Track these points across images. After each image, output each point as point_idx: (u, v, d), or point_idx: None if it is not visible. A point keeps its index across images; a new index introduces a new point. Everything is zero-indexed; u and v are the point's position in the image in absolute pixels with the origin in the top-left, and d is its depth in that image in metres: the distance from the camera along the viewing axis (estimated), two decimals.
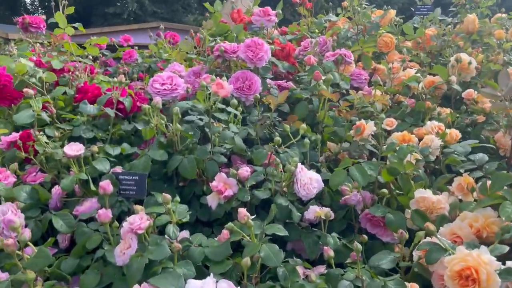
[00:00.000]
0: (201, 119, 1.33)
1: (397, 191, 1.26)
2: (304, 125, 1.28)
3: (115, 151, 1.37)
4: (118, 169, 1.29)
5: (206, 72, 1.79)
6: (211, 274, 0.88)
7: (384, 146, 1.26)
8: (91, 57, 2.13)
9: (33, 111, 1.35)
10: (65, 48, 2.01)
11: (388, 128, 1.48)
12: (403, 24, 2.22)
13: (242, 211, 0.92)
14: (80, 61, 2.05)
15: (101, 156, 1.33)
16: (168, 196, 0.97)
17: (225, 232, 1.04)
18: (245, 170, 1.16)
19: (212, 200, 1.15)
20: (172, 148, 1.29)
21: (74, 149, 1.23)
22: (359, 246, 0.92)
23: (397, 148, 1.21)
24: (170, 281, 0.78)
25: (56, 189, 1.24)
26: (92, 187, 1.24)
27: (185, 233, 1.10)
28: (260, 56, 1.58)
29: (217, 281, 0.78)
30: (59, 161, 1.34)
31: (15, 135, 1.40)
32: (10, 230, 0.95)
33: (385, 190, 1.18)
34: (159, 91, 1.56)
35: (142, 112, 1.63)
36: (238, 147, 1.25)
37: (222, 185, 1.14)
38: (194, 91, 1.72)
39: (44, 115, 1.40)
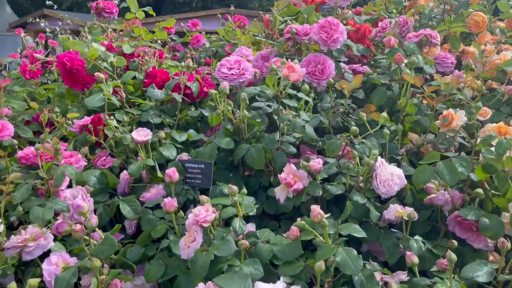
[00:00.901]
0: (269, 106, 1.24)
1: (493, 191, 1.09)
2: (384, 114, 1.15)
3: (181, 137, 1.34)
4: (185, 156, 1.25)
5: (275, 56, 1.70)
6: (280, 276, 0.80)
7: (477, 139, 1.09)
8: (160, 42, 2.13)
9: (103, 95, 1.35)
10: (135, 33, 2.02)
11: (481, 119, 1.30)
12: (497, 1, 1.96)
13: (316, 208, 0.83)
14: (149, 46, 2.06)
15: (168, 142, 1.31)
16: (235, 188, 0.91)
17: (294, 229, 0.96)
18: (317, 162, 1.06)
19: (280, 193, 1.07)
20: (238, 135, 1.22)
21: (142, 134, 1.21)
22: (453, 256, 0.79)
23: (495, 141, 1.04)
24: (236, 282, 0.72)
25: (124, 174, 1.23)
26: (159, 174, 1.22)
27: (251, 226, 1.04)
28: (334, 38, 1.46)
29: (288, 283, 0.71)
30: (128, 146, 1.34)
31: (87, 119, 1.41)
32: (79, 215, 0.95)
33: (479, 190, 1.02)
34: (226, 76, 1.51)
35: (209, 98, 1.59)
36: (309, 136, 1.16)
37: (292, 177, 1.05)
38: (262, 76, 1.65)
39: (115, 100, 1.40)
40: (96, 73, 1.39)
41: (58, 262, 0.91)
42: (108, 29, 2.03)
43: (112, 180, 1.19)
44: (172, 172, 1.02)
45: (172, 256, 0.94)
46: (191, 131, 1.40)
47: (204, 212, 0.83)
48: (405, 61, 1.36)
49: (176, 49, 2.61)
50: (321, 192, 1.05)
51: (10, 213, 1.10)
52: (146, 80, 1.70)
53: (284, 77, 1.12)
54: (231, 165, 1.26)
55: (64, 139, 1.47)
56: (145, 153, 1.23)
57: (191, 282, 0.83)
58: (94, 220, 0.90)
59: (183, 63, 1.49)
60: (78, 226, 0.89)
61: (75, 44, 1.60)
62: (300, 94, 1.23)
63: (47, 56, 2.29)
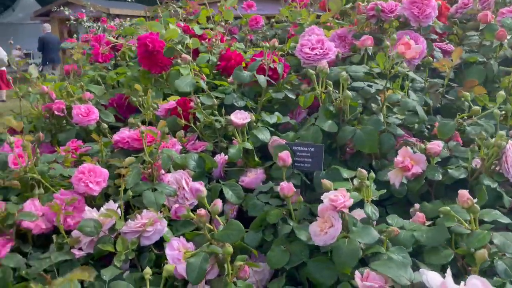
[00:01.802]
0: (370, 86, 1.18)
1: None
2: (502, 92, 1.07)
3: (272, 119, 1.30)
4: (278, 139, 1.21)
5: (353, 36, 1.63)
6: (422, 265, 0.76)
7: None
8: (223, 24, 2.09)
9: (192, 78, 1.31)
10: (201, 15, 1.98)
11: None
12: None
13: (464, 193, 0.77)
14: (211, 29, 2.02)
15: (259, 125, 1.27)
16: (364, 172, 0.86)
17: (420, 215, 0.91)
18: (436, 145, 1.00)
19: (394, 177, 1.02)
20: (337, 118, 1.17)
21: (240, 117, 1.17)
22: None
23: None
24: (396, 270, 0.67)
25: (220, 158, 1.20)
26: (256, 158, 1.19)
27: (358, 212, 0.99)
28: (427, 13, 1.38)
29: None
30: (217, 129, 1.31)
31: (172, 103, 1.39)
32: (197, 199, 0.92)
33: None
34: (309, 56, 1.45)
35: (286, 79, 1.55)
36: (421, 117, 1.10)
37: (409, 161, 0.99)
38: (342, 56, 1.59)
39: (202, 83, 1.37)
40: (183, 55, 1.36)
41: (179, 247, 0.89)
42: (173, 10, 1.99)
43: (209, 163, 1.16)
44: (286, 156, 0.98)
45: (293, 241, 0.90)
46: (277, 113, 1.36)
47: (342, 197, 0.79)
48: (509, 37, 1.28)
49: (232, 32, 2.56)
50: (440, 176, 0.99)
51: (114, 197, 1.09)
52: (220, 63, 1.66)
53: (399, 55, 1.05)
54: (329, 149, 1.21)
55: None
56: (241, 137, 1.20)
57: (326, 269, 0.80)
58: (219, 204, 0.87)
59: (267, 44, 1.43)
60: (203, 211, 0.86)
61: (153, 26, 1.57)
62: (411, 74, 1.16)
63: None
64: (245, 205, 1.10)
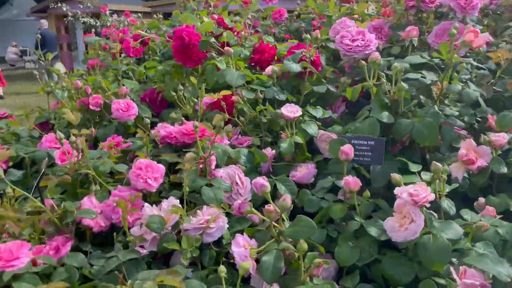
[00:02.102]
0: (423, 77, 1.16)
1: None
2: None
3: (318, 113, 1.27)
4: (327, 133, 1.19)
5: (390, 27, 1.60)
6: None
7: None
8: (250, 16, 2.05)
9: (239, 71, 1.28)
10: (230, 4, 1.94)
11: None
12: None
13: None
14: (233, 21, 1.98)
15: (306, 118, 1.24)
16: (439, 165, 0.84)
17: (490, 209, 0.89)
18: (501, 137, 0.98)
19: (457, 171, 0.99)
20: (390, 110, 1.14)
21: (290, 110, 1.14)
22: None
23: None
24: (493, 266, 0.65)
25: (268, 153, 1.18)
26: (306, 152, 1.16)
27: None
28: (474, 4, 1.35)
29: None
30: (262, 124, 1.28)
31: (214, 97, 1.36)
32: (261, 194, 0.89)
33: None
34: (350, 48, 1.42)
35: (323, 72, 1.52)
36: (483, 109, 1.07)
37: (473, 154, 0.97)
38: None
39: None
40: (226, 48, 1.33)
41: (245, 244, 0.86)
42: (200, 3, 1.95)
43: (259, 158, 1.14)
44: (349, 149, 0.96)
45: (360, 237, 0.88)
46: (318, 107, 1.33)
47: (423, 191, 0.76)
48: None
49: (254, 25, 2.52)
50: (506, 169, 0.96)
51: (165, 193, 1.06)
52: (253, 56, 1.63)
53: (466, 43, 1.02)
54: None
55: None
56: (290, 131, 1.17)
57: (402, 266, 0.78)
58: (288, 200, 0.84)
59: (308, 36, 1.40)
60: (272, 207, 0.84)
61: (187, 17, 1.54)
62: (474, 63, 1.13)
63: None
64: (299, 201, 1.07)
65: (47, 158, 1.04)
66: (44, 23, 8.85)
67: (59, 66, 1.64)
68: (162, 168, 0.98)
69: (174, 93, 1.39)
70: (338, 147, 1.01)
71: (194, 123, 1.04)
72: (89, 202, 0.92)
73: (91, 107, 1.43)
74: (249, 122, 1.33)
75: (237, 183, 1.05)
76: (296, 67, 1.31)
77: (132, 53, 1.71)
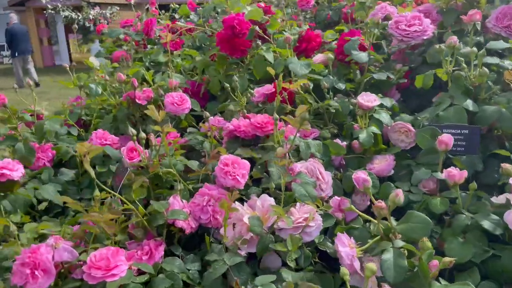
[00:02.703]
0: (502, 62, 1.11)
1: None
2: None
3: (386, 102, 1.21)
4: (401, 123, 1.14)
5: (438, 12, 1.55)
6: None
7: None
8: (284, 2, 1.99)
9: (303, 60, 1.22)
10: None
11: None
12: None
13: None
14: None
15: (376, 108, 1.18)
16: None
17: None
18: None
19: None
20: (470, 97, 1.10)
21: (367, 99, 1.09)
22: None
23: None
24: None
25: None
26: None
27: None
28: None
29: None
30: (326, 114, 1.22)
31: (269, 87, 1.30)
32: (363, 190, 0.84)
33: None
34: (407, 33, 1.37)
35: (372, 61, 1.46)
36: None
37: None
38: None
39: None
40: (287, 36, 1.26)
41: (349, 243, 0.81)
42: None
43: (335, 150, 1.08)
44: (448, 139, 0.91)
45: (468, 232, 0.84)
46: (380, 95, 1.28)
47: None
48: None
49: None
50: None
51: (243, 191, 1.00)
52: (298, 45, 1.57)
53: None
54: None
55: None
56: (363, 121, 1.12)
57: None
58: (401, 195, 0.79)
59: (368, 20, 1.34)
60: (383, 203, 0.79)
61: (234, 5, 1.46)
62: None
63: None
64: (381, 194, 1.02)
65: (123, 157, 0.97)
66: (14, 17, 8.31)
67: (93, 60, 1.55)
68: (247, 164, 0.91)
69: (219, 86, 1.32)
70: (428, 137, 0.96)
71: (274, 115, 0.98)
72: (176, 202, 0.86)
73: (137, 101, 1.35)
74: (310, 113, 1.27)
75: (318, 178, 1.00)
76: (364, 57, 1.25)
77: (172, 46, 1.63)
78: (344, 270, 0.71)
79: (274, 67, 1.31)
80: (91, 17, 11.42)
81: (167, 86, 1.34)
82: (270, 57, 1.41)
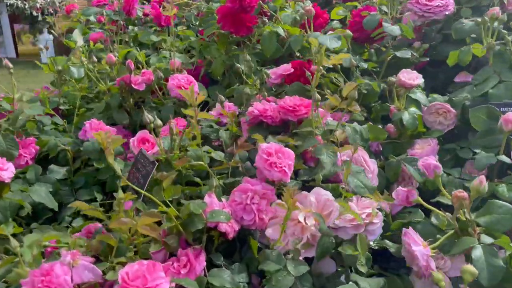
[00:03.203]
0: None
1: None
2: None
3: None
4: (439, 103, 1.04)
5: None
6: None
7: None
8: None
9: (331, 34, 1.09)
10: None
11: None
12: None
13: None
14: None
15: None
16: None
17: None
18: None
19: None
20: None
21: (409, 77, 0.98)
22: None
23: None
24: None
25: None
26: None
27: None
28: None
29: None
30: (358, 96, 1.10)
31: (286, 67, 1.16)
32: (433, 178, 0.72)
33: None
34: (429, 9, 1.28)
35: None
36: None
37: None
38: None
39: None
40: (307, 8, 1.12)
41: (422, 242, 0.70)
42: None
43: (375, 135, 0.96)
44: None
45: None
46: None
47: None
48: None
49: None
50: None
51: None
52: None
53: None
54: None
55: None
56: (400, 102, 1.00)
57: None
58: (485, 183, 0.68)
59: None
60: (465, 193, 0.67)
61: None
62: None
63: None
64: (428, 182, 0.91)
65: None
66: None
67: (76, 37, 1.34)
68: (292, 153, 0.77)
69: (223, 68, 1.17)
70: (484, 117, 0.86)
71: (314, 95, 0.84)
72: (212, 202, 0.70)
73: (134, 86, 1.17)
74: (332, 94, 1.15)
75: (363, 166, 0.88)
76: (397, 30, 1.14)
77: (164, 22, 1.45)
78: (437, 275, 0.59)
79: (292, 45, 1.17)
80: (38, 5, 10.79)
81: (169, 68, 1.16)
82: (282, 32, 1.28)
